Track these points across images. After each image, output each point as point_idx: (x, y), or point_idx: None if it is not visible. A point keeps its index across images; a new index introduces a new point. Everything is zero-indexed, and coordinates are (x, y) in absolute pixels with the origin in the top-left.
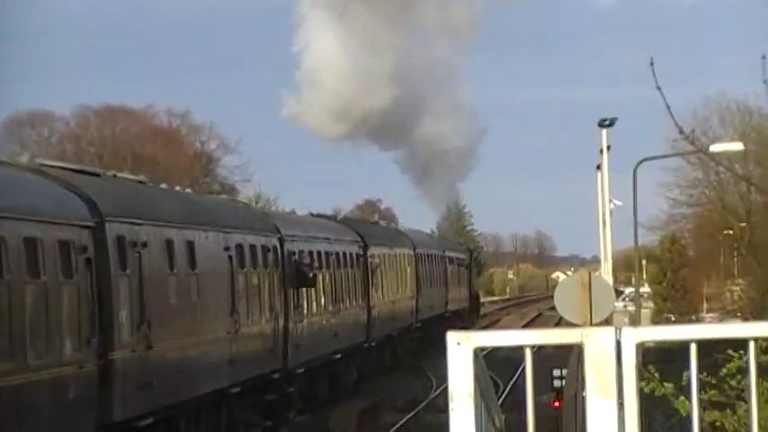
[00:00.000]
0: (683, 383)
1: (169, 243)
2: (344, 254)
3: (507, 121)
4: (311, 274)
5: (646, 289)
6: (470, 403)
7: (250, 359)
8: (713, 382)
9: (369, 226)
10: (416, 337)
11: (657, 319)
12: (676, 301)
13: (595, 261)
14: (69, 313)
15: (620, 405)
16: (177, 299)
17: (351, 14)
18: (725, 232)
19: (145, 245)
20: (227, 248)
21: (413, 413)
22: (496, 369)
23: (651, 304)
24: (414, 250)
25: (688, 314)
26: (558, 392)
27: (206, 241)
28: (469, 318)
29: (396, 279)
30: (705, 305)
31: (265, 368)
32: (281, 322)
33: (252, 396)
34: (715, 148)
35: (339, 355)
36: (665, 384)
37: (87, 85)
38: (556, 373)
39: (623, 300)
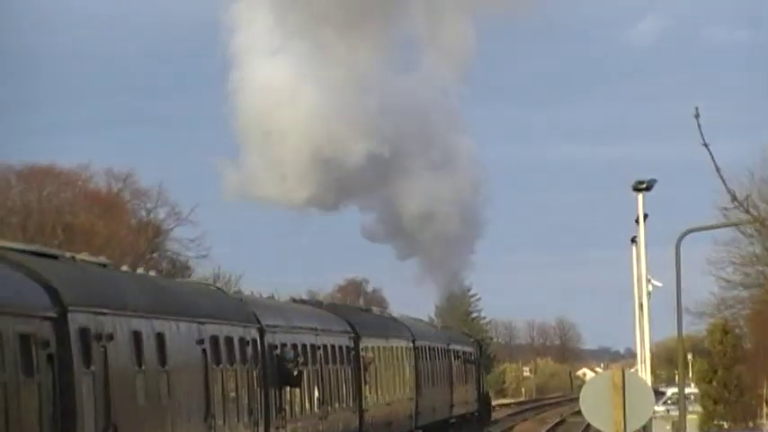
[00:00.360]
0: None
1: (137, 335)
2: (333, 347)
3: (520, 186)
4: (296, 372)
5: (692, 389)
6: None
7: None
8: None
9: (360, 313)
10: None
11: (707, 426)
12: (730, 404)
13: (630, 355)
14: (30, 417)
15: None
16: (146, 400)
17: (324, 40)
18: None
19: (111, 338)
20: (200, 341)
21: None
22: None
23: (699, 408)
24: (413, 343)
25: (744, 421)
26: None
27: (177, 333)
28: (479, 424)
29: (392, 377)
30: (766, 410)
31: None
32: (262, 429)
33: None
34: None
35: None
36: None
37: (5, 141)
38: None
39: (665, 403)
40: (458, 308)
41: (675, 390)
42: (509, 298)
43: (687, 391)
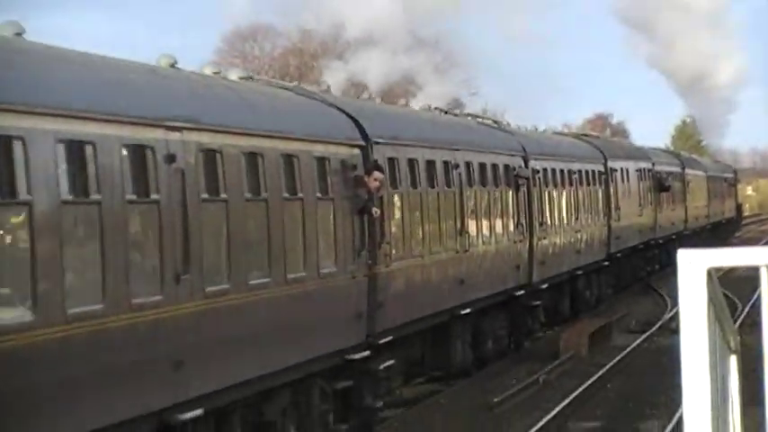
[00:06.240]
0: None
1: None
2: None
3: None
4: (667, 184)
5: None
6: (704, 326)
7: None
8: None
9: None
10: (710, 232)
11: None
12: None
13: None
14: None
15: None
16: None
17: None
18: None
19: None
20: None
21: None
22: (735, 288)
23: None
24: (706, 173)
25: None
26: None
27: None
28: (736, 224)
29: (697, 193)
30: None
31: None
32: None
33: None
34: None
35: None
36: None
37: None
38: None
39: None
40: (690, 137)
41: None
42: (733, 127)
43: None
